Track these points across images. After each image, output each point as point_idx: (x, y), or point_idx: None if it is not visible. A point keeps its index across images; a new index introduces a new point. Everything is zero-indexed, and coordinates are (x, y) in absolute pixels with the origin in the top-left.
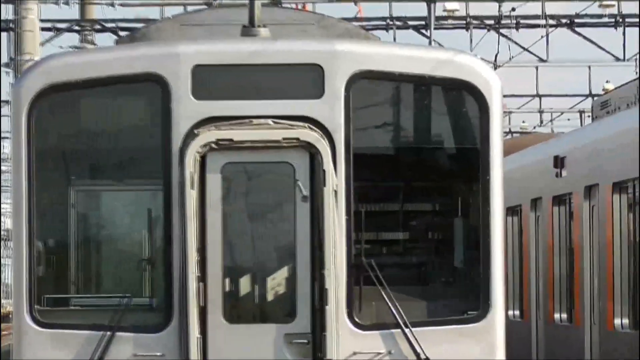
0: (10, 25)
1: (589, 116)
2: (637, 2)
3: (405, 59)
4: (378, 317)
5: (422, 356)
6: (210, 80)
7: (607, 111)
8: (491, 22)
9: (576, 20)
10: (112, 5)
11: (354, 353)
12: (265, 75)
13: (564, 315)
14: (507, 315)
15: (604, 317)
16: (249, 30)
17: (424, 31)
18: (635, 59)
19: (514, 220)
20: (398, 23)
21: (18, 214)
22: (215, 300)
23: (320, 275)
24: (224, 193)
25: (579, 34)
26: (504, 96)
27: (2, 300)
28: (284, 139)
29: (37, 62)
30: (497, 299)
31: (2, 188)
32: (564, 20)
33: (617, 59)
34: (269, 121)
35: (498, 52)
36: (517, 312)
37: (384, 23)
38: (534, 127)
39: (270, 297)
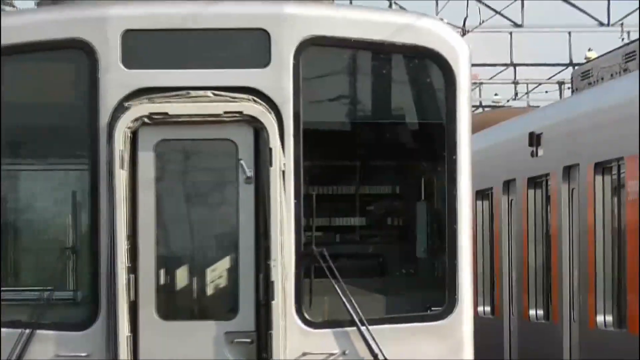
0: None
1: (569, 88)
2: None
3: (361, 24)
4: (331, 314)
5: (380, 357)
6: (143, 47)
7: (588, 82)
8: None
9: None
10: None
11: (304, 354)
12: (204, 41)
13: (540, 312)
14: (476, 312)
15: (585, 313)
16: None
17: None
18: (621, 24)
19: (484, 205)
20: None
21: None
22: (148, 294)
23: (266, 266)
24: (157, 173)
25: None
26: (474, 65)
27: None
28: (225, 112)
29: None
30: (464, 293)
31: None
32: None
33: (601, 24)
34: (209, 93)
35: (467, 15)
36: (487, 308)
37: None
38: (508, 101)
39: (209, 290)
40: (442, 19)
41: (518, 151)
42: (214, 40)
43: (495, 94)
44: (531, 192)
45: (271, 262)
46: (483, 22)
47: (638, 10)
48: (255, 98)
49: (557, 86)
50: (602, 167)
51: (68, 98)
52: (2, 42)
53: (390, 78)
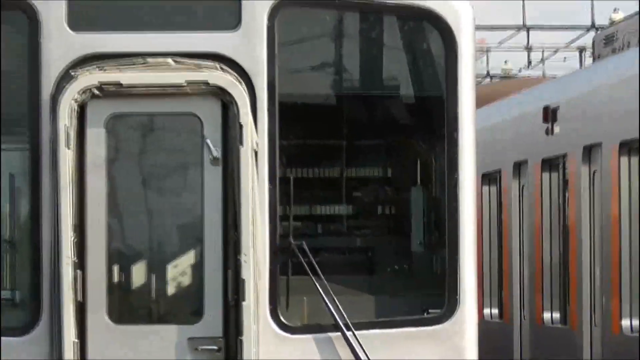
0: None
1: (590, 55)
2: None
3: None
4: (311, 317)
5: None
6: (92, 6)
7: (613, 48)
8: None
9: None
10: None
11: None
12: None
13: (556, 315)
14: (481, 315)
15: (607, 317)
16: None
17: None
18: None
19: (490, 191)
20: None
21: None
22: (98, 294)
23: (236, 261)
24: (109, 154)
25: None
26: (479, 28)
27: None
28: (188, 82)
29: None
30: (467, 293)
31: None
32: None
33: None
34: (169, 60)
35: None
36: (494, 311)
37: None
38: (520, 70)
39: (170, 290)
40: None
41: (530, 128)
42: None
43: (505, 62)
44: (545, 175)
45: (242, 257)
46: None
47: None
48: (223, 66)
49: (576, 53)
50: (628, 147)
51: (4, 66)
52: None
53: (381, 43)
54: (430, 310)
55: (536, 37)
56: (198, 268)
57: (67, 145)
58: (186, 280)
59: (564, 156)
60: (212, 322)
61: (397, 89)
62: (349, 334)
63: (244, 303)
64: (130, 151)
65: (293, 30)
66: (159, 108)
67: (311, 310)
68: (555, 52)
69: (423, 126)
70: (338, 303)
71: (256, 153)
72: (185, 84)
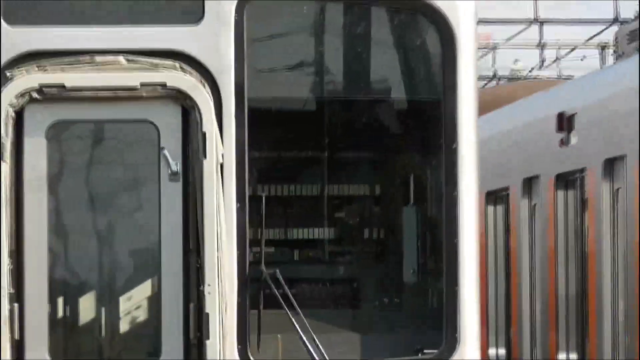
0: None
1: (613, 53)
2: None
3: None
4: (286, 357)
5: None
6: None
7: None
8: None
9: None
10: None
11: None
12: None
13: (574, 356)
14: (484, 355)
15: (634, 357)
16: None
17: None
18: None
19: (497, 212)
20: None
21: None
22: (38, 330)
23: (198, 293)
24: (51, 167)
25: None
26: (485, 22)
27: None
28: (142, 85)
29: None
30: (468, 330)
31: None
32: None
33: None
34: (120, 58)
35: None
36: (501, 351)
37: None
38: (531, 70)
39: (122, 326)
40: None
41: (543, 139)
42: None
43: (515, 61)
44: (561, 193)
45: (205, 288)
46: None
47: None
48: (183, 65)
49: (597, 51)
50: None
51: None
52: None
53: (368, 39)
54: (425, 351)
55: (550, 32)
56: (155, 300)
57: (2, 158)
58: (141, 315)
59: (582, 171)
60: None
61: (387, 93)
62: None
63: (207, 341)
64: (75, 164)
65: (265, 23)
66: (109, 114)
67: (286, 349)
68: (573, 49)
69: (417, 136)
70: (317, 342)
71: (222, 166)
72: (139, 87)
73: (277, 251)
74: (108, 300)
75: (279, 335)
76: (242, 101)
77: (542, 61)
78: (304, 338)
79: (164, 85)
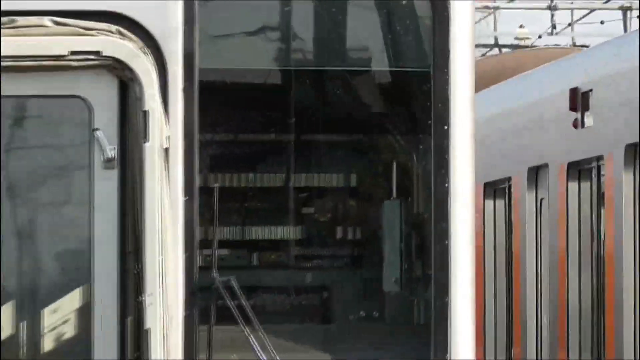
0: None
1: (638, 16)
2: None
3: None
4: None
5: None
6: None
7: None
8: None
9: None
10: None
11: None
12: None
13: None
14: None
15: None
16: None
17: None
18: None
19: (496, 207)
20: None
21: None
22: None
23: (137, 304)
24: None
25: None
26: None
27: None
28: (72, 53)
29: None
30: (461, 348)
31: None
32: None
33: None
34: (46, 20)
35: None
36: None
37: None
38: (540, 37)
39: (46, 343)
40: None
41: (553, 119)
42: None
43: (521, 26)
44: (573, 185)
45: (145, 299)
46: None
47: None
48: (121, 29)
49: (619, 14)
50: None
51: None
52: None
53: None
54: None
55: None
56: (85, 313)
57: None
58: (68, 331)
59: (599, 159)
60: None
61: (365, 63)
62: None
63: None
64: None
65: None
66: (31, 89)
67: None
68: (590, 12)
69: (401, 115)
70: None
71: (167, 151)
72: (67, 55)
73: (232, 254)
74: (29, 313)
75: (233, 355)
76: (193, 73)
77: (553, 26)
78: (263, 358)
79: (98, 54)
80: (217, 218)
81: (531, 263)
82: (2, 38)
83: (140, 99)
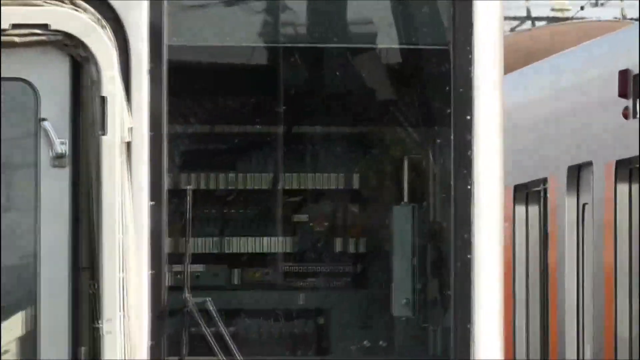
0: None
1: None
2: None
3: None
4: None
5: None
6: None
7: None
8: None
9: None
10: None
11: None
12: None
13: None
14: None
15: None
16: None
17: None
18: None
19: (529, 213)
20: None
21: None
22: None
23: (93, 331)
24: None
25: None
26: None
27: None
28: (14, 26)
29: None
30: None
31: None
32: None
33: None
34: None
35: None
36: None
37: None
38: (581, 9)
39: None
40: None
41: (597, 108)
42: None
43: None
44: (623, 188)
45: (102, 325)
46: None
47: None
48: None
49: None
50: None
51: None
52: None
53: None
54: None
55: None
56: (28, 342)
57: None
58: (9, 357)
59: None
60: None
61: (371, 39)
62: None
63: None
64: None
65: None
66: None
67: None
68: None
69: (414, 103)
70: None
71: (129, 146)
72: (9, 28)
73: (208, 271)
74: None
75: None
76: (160, 51)
77: None
78: None
79: (45, 27)
80: (190, 227)
81: (572, 277)
82: None
83: (96, 82)
